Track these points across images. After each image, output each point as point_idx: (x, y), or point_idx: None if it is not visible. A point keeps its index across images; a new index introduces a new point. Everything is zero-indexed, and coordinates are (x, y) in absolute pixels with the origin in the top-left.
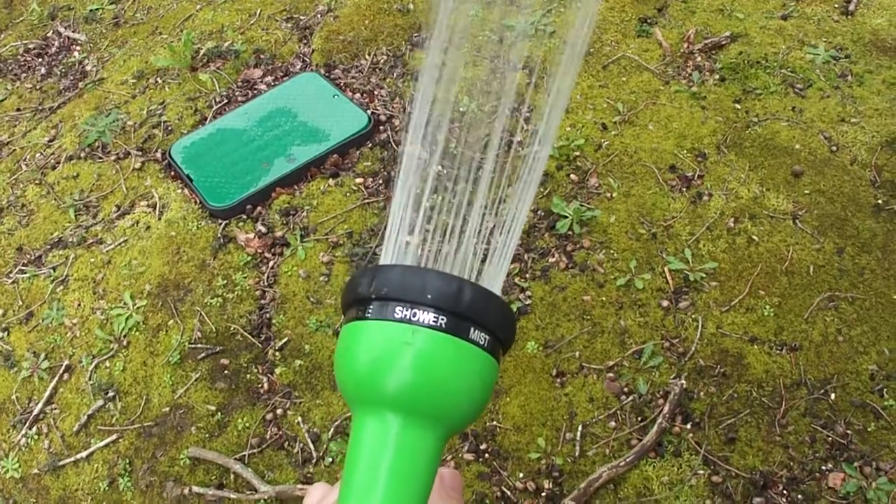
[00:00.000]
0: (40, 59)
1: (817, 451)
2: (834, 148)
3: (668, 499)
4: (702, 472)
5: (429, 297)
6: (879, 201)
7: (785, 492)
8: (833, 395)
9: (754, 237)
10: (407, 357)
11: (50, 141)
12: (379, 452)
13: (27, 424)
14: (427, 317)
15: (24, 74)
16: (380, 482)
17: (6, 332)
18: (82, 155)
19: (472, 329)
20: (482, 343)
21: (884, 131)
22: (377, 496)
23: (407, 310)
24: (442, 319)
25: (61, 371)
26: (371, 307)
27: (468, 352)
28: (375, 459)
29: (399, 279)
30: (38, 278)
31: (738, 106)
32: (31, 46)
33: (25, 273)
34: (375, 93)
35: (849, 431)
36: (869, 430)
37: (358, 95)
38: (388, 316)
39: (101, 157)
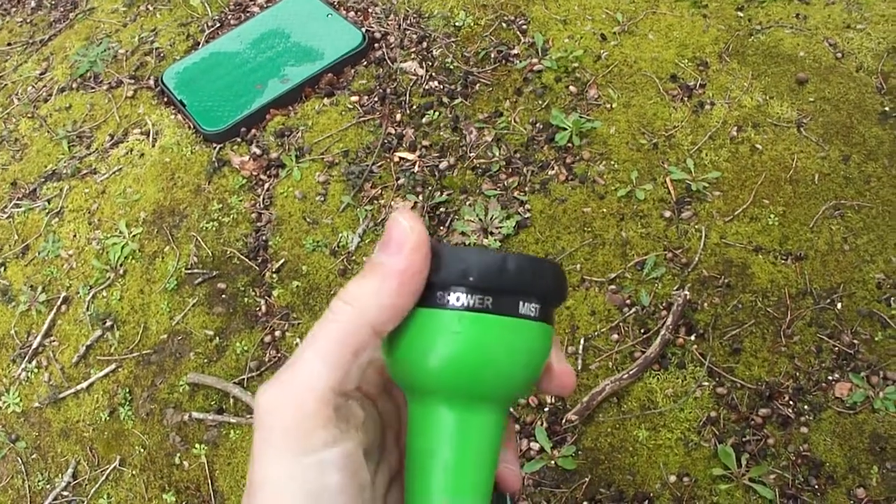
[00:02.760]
0: None
1: (823, 361)
2: (839, 55)
3: (673, 411)
4: (706, 383)
5: (471, 279)
6: (886, 108)
7: (791, 402)
8: (839, 305)
9: (758, 146)
10: (457, 345)
11: (41, 74)
12: (441, 447)
13: (27, 358)
14: (471, 300)
15: (14, 9)
16: (445, 478)
17: (2, 267)
18: (74, 86)
19: (521, 303)
20: (533, 314)
21: (890, 38)
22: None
23: (449, 294)
24: (488, 300)
25: (59, 303)
26: None
27: (521, 328)
28: (438, 456)
29: (436, 261)
30: (34, 211)
31: (740, 14)
32: None
33: (20, 207)
34: (370, 10)
35: (855, 341)
36: (876, 339)
37: (352, 14)
38: (432, 302)
39: (93, 87)
